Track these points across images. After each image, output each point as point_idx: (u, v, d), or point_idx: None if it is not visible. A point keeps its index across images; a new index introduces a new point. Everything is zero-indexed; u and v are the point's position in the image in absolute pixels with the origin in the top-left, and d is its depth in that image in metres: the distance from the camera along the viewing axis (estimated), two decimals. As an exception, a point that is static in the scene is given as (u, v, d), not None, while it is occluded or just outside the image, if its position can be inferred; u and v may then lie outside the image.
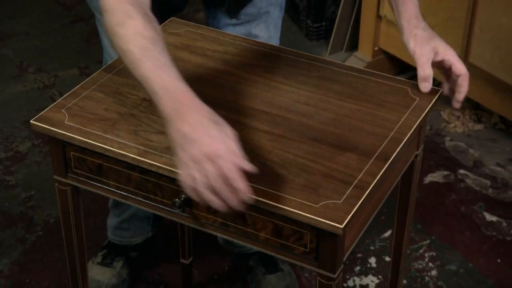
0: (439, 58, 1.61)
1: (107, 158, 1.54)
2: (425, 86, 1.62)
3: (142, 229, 2.33)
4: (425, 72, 1.61)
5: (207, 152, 1.31)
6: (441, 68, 1.65)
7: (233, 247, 2.34)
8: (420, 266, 2.42)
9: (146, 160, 1.47)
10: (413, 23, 1.64)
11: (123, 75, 1.71)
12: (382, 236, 2.53)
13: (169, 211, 1.54)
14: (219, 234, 1.51)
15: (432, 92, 1.66)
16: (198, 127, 1.33)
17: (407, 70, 3.24)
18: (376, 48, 3.23)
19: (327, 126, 1.56)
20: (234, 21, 2.02)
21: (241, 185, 1.31)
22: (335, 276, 1.42)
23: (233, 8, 1.99)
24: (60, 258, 2.42)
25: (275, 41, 2.08)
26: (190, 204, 1.49)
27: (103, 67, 1.75)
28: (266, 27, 2.04)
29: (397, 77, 1.72)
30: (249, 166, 1.33)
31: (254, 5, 2.00)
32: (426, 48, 1.61)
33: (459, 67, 1.61)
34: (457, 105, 1.65)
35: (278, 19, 2.10)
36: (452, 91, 1.65)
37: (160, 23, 1.90)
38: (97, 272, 2.29)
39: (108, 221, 2.33)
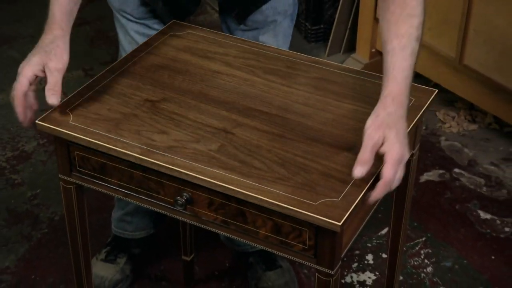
0: (381, 150, 1.41)
1: (110, 157, 1.54)
2: (359, 170, 1.39)
3: (144, 224, 2.33)
4: (365, 156, 1.40)
5: (18, 70, 1.57)
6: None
7: (234, 245, 2.34)
8: (416, 263, 2.42)
9: (149, 159, 1.47)
10: (384, 102, 1.45)
11: (127, 77, 1.71)
12: (379, 234, 2.52)
13: (171, 209, 1.53)
14: (220, 232, 1.51)
15: (428, 92, 1.66)
16: (34, 49, 1.60)
17: (404, 71, 3.24)
18: (373, 50, 3.23)
19: (325, 126, 1.56)
20: (243, 27, 2.02)
21: (18, 109, 1.54)
22: (333, 272, 1.42)
23: (240, 14, 2.00)
24: (65, 255, 2.42)
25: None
26: (191, 202, 1.49)
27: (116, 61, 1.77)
28: (274, 35, 2.04)
29: (394, 78, 1.71)
30: (51, 99, 1.53)
31: (261, 13, 2.00)
32: (377, 134, 1.41)
33: (385, 171, 1.39)
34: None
35: (288, 29, 2.09)
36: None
37: None
38: (101, 268, 2.29)
39: (113, 214, 2.33)
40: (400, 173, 1.41)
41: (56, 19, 1.62)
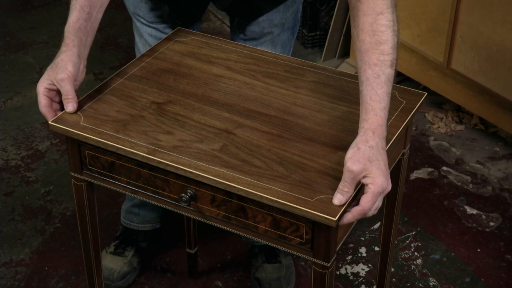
0: (362, 181, 1.37)
1: (119, 156, 1.53)
2: (338, 199, 1.35)
3: (151, 217, 2.32)
4: (345, 188, 1.36)
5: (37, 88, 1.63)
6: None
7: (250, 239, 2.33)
8: (406, 255, 2.41)
9: (155, 158, 1.46)
10: (365, 136, 1.39)
11: (134, 80, 1.70)
12: (371, 228, 2.52)
13: (176, 205, 1.53)
14: (222, 226, 1.50)
15: (418, 95, 1.65)
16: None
17: (395, 75, 3.23)
18: (366, 55, 3.22)
19: (322, 127, 1.55)
20: (242, 36, 2.02)
21: (46, 116, 1.60)
22: (328, 264, 1.42)
23: (240, 23, 2.00)
24: (76, 248, 2.41)
25: None
26: (195, 199, 1.49)
27: (124, 66, 1.76)
28: (272, 47, 2.03)
29: (386, 82, 1.71)
30: (68, 107, 1.58)
31: (258, 24, 1.99)
32: (359, 166, 1.35)
33: (363, 200, 1.35)
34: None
35: (287, 41, 2.07)
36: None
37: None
38: (110, 261, 2.28)
39: (123, 206, 2.32)
40: (378, 203, 1.37)
41: (64, 36, 1.67)
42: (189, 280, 2.33)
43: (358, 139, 1.39)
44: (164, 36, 1.95)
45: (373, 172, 1.35)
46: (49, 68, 1.61)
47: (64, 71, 1.57)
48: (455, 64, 2.83)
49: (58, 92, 1.59)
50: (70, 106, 1.58)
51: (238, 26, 2.01)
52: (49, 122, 1.57)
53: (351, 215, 1.36)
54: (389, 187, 1.38)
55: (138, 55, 2.09)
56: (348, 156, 1.36)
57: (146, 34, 2.04)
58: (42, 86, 1.60)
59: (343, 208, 1.34)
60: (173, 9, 1.96)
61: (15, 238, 2.48)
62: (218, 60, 1.78)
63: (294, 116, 1.58)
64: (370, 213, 1.37)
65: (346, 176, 1.35)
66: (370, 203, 1.35)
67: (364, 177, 1.35)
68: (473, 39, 2.73)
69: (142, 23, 2.03)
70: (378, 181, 1.35)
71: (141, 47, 2.08)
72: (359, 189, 1.39)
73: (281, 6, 1.97)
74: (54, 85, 1.58)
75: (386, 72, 1.44)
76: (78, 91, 1.59)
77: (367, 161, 1.35)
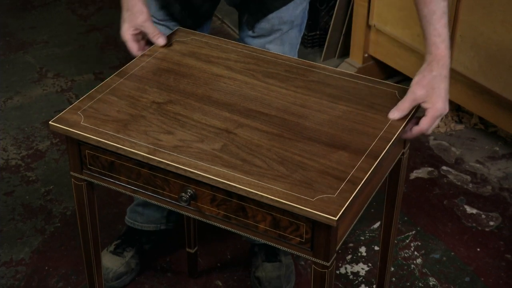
0: (422, 105, 1.58)
1: (119, 156, 1.53)
2: (395, 114, 1.57)
3: (155, 217, 2.31)
4: (404, 105, 1.57)
5: (121, 37, 1.81)
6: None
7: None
8: (406, 255, 2.41)
9: (156, 158, 1.46)
10: (431, 66, 1.59)
11: (134, 80, 1.70)
12: (371, 227, 2.52)
13: (176, 204, 1.53)
14: (222, 226, 1.50)
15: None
16: (121, 15, 1.81)
17: (395, 75, 3.23)
18: (366, 55, 3.22)
19: (322, 127, 1.55)
20: (251, 33, 2.02)
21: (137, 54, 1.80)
22: (328, 264, 1.42)
23: (249, 20, 2.00)
24: (76, 247, 2.41)
25: None
26: (195, 198, 1.49)
27: (125, 66, 1.77)
28: (281, 44, 2.03)
29: (386, 81, 1.71)
30: (159, 41, 1.80)
31: (268, 21, 1.99)
32: (422, 92, 1.57)
33: (423, 122, 1.58)
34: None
35: (295, 39, 2.07)
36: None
37: (193, 29, 1.97)
38: (108, 260, 2.28)
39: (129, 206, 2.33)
40: (435, 124, 1.59)
41: None
42: (189, 279, 2.33)
43: (424, 68, 1.59)
44: None
45: (433, 98, 1.56)
46: (125, 17, 1.79)
47: (142, 14, 1.78)
48: (455, 64, 2.82)
49: (141, 34, 1.81)
50: (162, 40, 1.80)
51: (247, 23, 2.01)
52: (50, 122, 1.57)
53: (411, 133, 1.58)
54: (446, 110, 1.59)
55: None
56: (415, 81, 1.57)
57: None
58: (128, 34, 1.80)
59: (343, 208, 1.34)
60: (184, 7, 1.97)
61: (15, 237, 2.48)
62: (218, 60, 1.78)
63: (294, 115, 1.58)
64: (428, 133, 1.59)
65: (409, 96, 1.57)
66: (428, 124, 1.57)
67: (424, 102, 1.57)
68: (473, 38, 2.73)
69: (154, 21, 2.02)
70: (437, 106, 1.56)
71: None
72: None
73: (291, 4, 1.97)
74: (137, 29, 1.79)
75: (440, 6, 1.59)
76: (78, 91, 1.59)
77: (430, 88, 1.57)
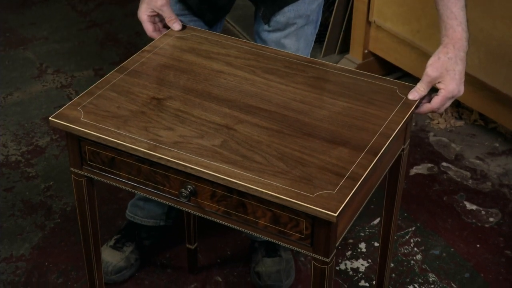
0: (437, 86, 1.64)
1: (119, 152, 1.53)
2: (413, 95, 1.63)
3: (155, 213, 2.31)
4: (421, 88, 1.63)
5: (140, 18, 1.85)
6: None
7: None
8: (406, 251, 2.42)
9: (156, 154, 1.46)
10: (446, 48, 1.63)
11: (134, 76, 1.70)
12: (371, 224, 2.52)
13: (176, 200, 1.53)
14: (222, 222, 1.50)
15: (418, 91, 1.65)
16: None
17: (395, 71, 3.23)
18: (366, 51, 3.22)
19: (322, 123, 1.55)
20: (267, 27, 2.02)
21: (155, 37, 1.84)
22: (328, 260, 1.42)
23: (265, 14, 2.01)
24: (76, 243, 2.42)
25: (303, 53, 2.06)
26: (195, 194, 1.49)
27: (125, 62, 1.77)
28: (296, 39, 2.03)
29: (386, 78, 1.71)
30: (175, 26, 1.84)
31: (283, 15, 1.99)
32: (436, 73, 1.62)
33: (435, 101, 1.64)
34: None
35: (311, 36, 2.07)
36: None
37: (211, 24, 2.01)
38: (108, 254, 2.28)
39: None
40: (447, 105, 1.65)
41: None
42: (189, 275, 2.33)
43: (439, 50, 1.63)
44: None
45: (447, 80, 1.61)
46: (143, 1, 1.82)
47: None
48: (455, 60, 2.82)
49: (158, 17, 1.85)
50: (177, 25, 1.84)
51: (264, 16, 2.01)
52: (50, 118, 1.57)
53: (422, 109, 1.64)
54: (461, 92, 1.64)
55: None
56: (430, 63, 1.63)
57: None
58: (144, 14, 1.82)
59: (343, 204, 1.34)
60: (203, 1, 1.97)
61: (15, 233, 2.48)
62: (218, 55, 1.78)
63: (294, 111, 1.58)
64: (440, 111, 1.65)
65: (424, 79, 1.63)
66: (439, 104, 1.63)
67: (438, 82, 1.62)
68: (473, 35, 2.71)
69: None
70: (450, 88, 1.61)
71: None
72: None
73: None
74: (155, 11, 1.82)
75: None
76: (78, 87, 1.58)
77: (444, 70, 1.61)
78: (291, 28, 2.01)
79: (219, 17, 2.05)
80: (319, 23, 2.08)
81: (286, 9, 1.98)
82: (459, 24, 1.63)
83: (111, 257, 2.28)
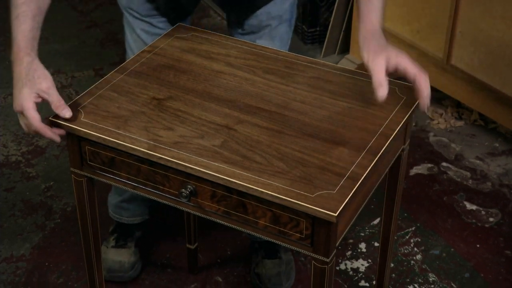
0: (392, 64, 1.56)
1: (119, 152, 1.53)
2: (381, 90, 1.54)
3: (140, 210, 2.33)
4: (378, 78, 1.54)
5: (16, 107, 1.58)
6: (402, 76, 1.59)
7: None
8: (406, 251, 2.42)
9: (156, 154, 1.46)
10: (368, 38, 1.60)
11: (134, 76, 1.70)
12: (371, 224, 2.52)
13: (176, 200, 1.53)
14: (222, 222, 1.50)
15: (418, 91, 1.65)
16: (16, 82, 1.58)
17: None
18: (366, 51, 3.22)
19: (322, 123, 1.55)
20: (240, 30, 2.02)
21: (47, 133, 1.55)
22: (328, 260, 1.42)
23: (238, 18, 2.00)
24: (77, 243, 2.42)
25: None
26: (195, 194, 1.49)
27: (124, 62, 1.76)
28: (270, 40, 2.03)
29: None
30: (64, 113, 1.54)
31: (256, 17, 1.99)
32: (378, 59, 1.55)
33: (411, 68, 1.55)
34: (423, 108, 1.56)
35: (285, 34, 2.07)
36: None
37: (173, 25, 1.94)
38: (115, 254, 2.29)
39: (109, 198, 2.32)
40: (419, 68, 1.57)
41: (21, 47, 1.58)
42: (189, 275, 2.33)
43: (363, 45, 1.59)
44: (156, 31, 1.96)
45: (392, 53, 1.56)
46: (23, 82, 1.56)
47: (45, 79, 1.56)
48: (455, 60, 2.82)
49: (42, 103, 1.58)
50: (66, 111, 1.55)
51: (236, 21, 2.01)
52: (50, 118, 1.57)
53: (423, 88, 1.54)
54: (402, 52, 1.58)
55: (128, 51, 2.08)
56: (366, 58, 1.57)
57: (139, 29, 2.02)
58: (30, 102, 1.56)
59: (343, 204, 1.34)
60: (169, 1, 1.95)
61: (15, 233, 2.48)
62: (218, 56, 1.78)
63: (295, 112, 1.58)
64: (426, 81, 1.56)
65: (375, 70, 1.54)
66: (415, 66, 1.55)
67: (388, 62, 1.55)
68: (473, 35, 2.72)
69: (135, 17, 2.01)
70: (402, 54, 1.56)
71: (132, 44, 2.05)
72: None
73: None
74: (40, 97, 1.57)
75: None
76: (79, 87, 1.58)
77: (383, 50, 1.56)
78: (265, 30, 2.01)
79: (183, 17, 2.01)
80: (294, 20, 2.08)
81: (258, 12, 1.98)
82: (379, 18, 1.64)
83: (121, 256, 2.29)
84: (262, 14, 1.98)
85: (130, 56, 1.98)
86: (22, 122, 1.61)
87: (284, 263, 2.27)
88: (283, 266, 2.27)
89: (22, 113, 1.57)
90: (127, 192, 2.24)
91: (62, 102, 1.55)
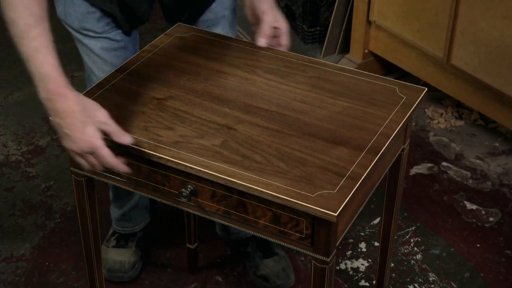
0: (276, 24, 1.77)
1: (119, 151, 1.53)
2: (263, 41, 1.77)
3: (142, 217, 2.34)
4: (267, 31, 1.76)
5: (83, 148, 1.42)
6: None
7: (230, 235, 2.34)
8: (406, 251, 2.42)
9: (156, 154, 1.46)
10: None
11: (135, 76, 1.70)
12: (371, 223, 2.52)
13: (176, 200, 1.53)
14: (222, 221, 1.50)
15: (418, 91, 1.65)
16: (69, 121, 1.41)
17: (395, 71, 3.23)
18: (366, 51, 3.22)
19: (322, 122, 1.55)
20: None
21: (120, 167, 1.47)
22: (328, 259, 1.42)
23: (191, 17, 1.97)
24: (77, 243, 2.42)
25: None
26: (195, 194, 1.49)
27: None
28: (222, 29, 2.01)
29: (386, 77, 1.71)
30: (125, 139, 1.45)
31: (211, 11, 1.98)
32: (271, 13, 1.75)
33: (285, 39, 1.78)
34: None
35: (234, 21, 2.07)
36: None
37: (128, 33, 1.91)
38: (116, 254, 2.29)
39: (111, 211, 2.33)
40: None
41: (59, 82, 1.45)
42: (189, 275, 2.33)
43: (263, 6, 1.76)
44: (116, 45, 1.91)
45: (281, 17, 1.77)
46: (83, 121, 1.41)
47: (99, 109, 1.45)
48: (455, 60, 2.82)
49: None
50: (128, 138, 1.45)
51: (189, 20, 1.95)
52: (50, 118, 1.56)
53: (286, 38, 1.79)
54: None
55: (91, 76, 1.98)
56: (265, 8, 1.75)
57: (97, 48, 1.93)
58: (99, 140, 1.42)
59: (343, 204, 1.34)
60: (123, 10, 1.86)
61: (15, 233, 2.48)
62: (219, 55, 1.78)
63: (295, 111, 1.58)
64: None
65: (267, 22, 1.75)
66: (289, 40, 1.79)
67: (275, 22, 1.76)
68: (473, 34, 2.72)
69: (92, 37, 1.92)
70: (285, 24, 1.78)
71: (92, 66, 1.96)
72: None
73: None
74: (101, 130, 1.44)
75: None
76: (78, 87, 1.58)
77: (276, 10, 1.77)
78: (220, 21, 2.01)
79: (135, 26, 1.94)
80: (236, 7, 2.07)
81: (213, 5, 1.97)
82: None
83: (122, 256, 2.29)
84: (217, 6, 1.98)
85: (95, 81, 1.88)
86: (85, 162, 1.47)
87: (283, 258, 2.28)
88: (283, 262, 2.28)
89: (91, 153, 1.43)
90: (126, 205, 2.26)
91: (120, 130, 1.45)
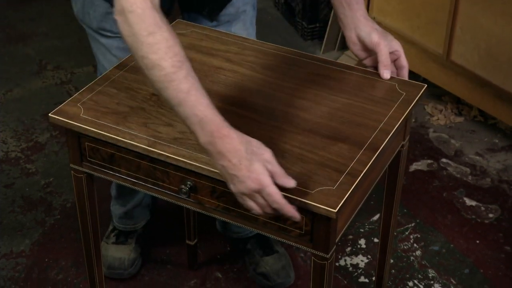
0: (392, 50, 1.67)
1: (119, 148, 1.53)
2: (387, 73, 1.67)
3: (144, 215, 2.34)
4: (388, 62, 1.66)
5: (251, 187, 1.31)
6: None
7: (231, 233, 2.34)
8: (405, 247, 2.42)
9: (155, 150, 1.46)
10: (369, 19, 1.69)
11: (134, 72, 1.70)
12: (371, 220, 2.52)
13: (176, 196, 1.53)
14: (222, 218, 1.50)
15: (417, 87, 1.65)
16: (235, 161, 1.31)
17: (394, 67, 3.23)
18: (365, 47, 3.22)
19: (321, 119, 1.55)
20: (214, 23, 1.98)
21: (290, 212, 1.34)
22: (328, 256, 1.42)
23: (213, 11, 1.96)
24: (76, 239, 2.42)
25: (253, 37, 2.05)
26: (195, 190, 1.49)
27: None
28: (243, 25, 2.01)
29: (385, 74, 1.71)
30: (290, 183, 1.34)
31: (232, 5, 1.97)
32: (384, 42, 1.65)
33: (404, 60, 1.68)
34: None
35: (253, 18, 2.06)
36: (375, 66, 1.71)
37: None
38: (116, 251, 2.29)
39: (112, 208, 2.33)
40: None
41: (219, 124, 1.34)
42: (189, 271, 2.33)
43: (366, 24, 1.68)
44: None
45: (393, 41, 1.68)
46: (250, 159, 1.31)
47: (264, 148, 1.35)
48: (455, 56, 2.82)
49: None
50: (292, 181, 1.35)
51: (210, 14, 1.95)
52: (49, 115, 1.57)
53: (406, 71, 1.69)
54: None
55: (102, 71, 1.98)
56: (375, 38, 1.66)
57: (114, 48, 1.94)
58: (268, 177, 1.33)
59: (343, 200, 1.34)
60: None
61: (15, 229, 2.49)
62: (218, 52, 1.77)
63: (294, 108, 1.58)
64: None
65: (385, 51, 1.66)
66: (406, 59, 1.69)
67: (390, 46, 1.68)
68: (473, 31, 2.72)
69: (109, 37, 1.93)
70: (399, 44, 1.69)
71: (107, 66, 1.95)
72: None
73: None
74: (267, 169, 1.34)
75: None
76: (78, 84, 1.58)
77: (387, 35, 1.68)
78: (241, 17, 1.99)
79: None
80: (256, 3, 2.06)
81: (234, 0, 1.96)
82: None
83: (121, 253, 2.29)
84: (238, 1, 1.96)
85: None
86: (255, 205, 1.36)
87: (283, 256, 2.28)
88: (283, 259, 2.27)
89: (259, 191, 1.33)
90: (129, 202, 2.26)
91: (283, 170, 1.36)
